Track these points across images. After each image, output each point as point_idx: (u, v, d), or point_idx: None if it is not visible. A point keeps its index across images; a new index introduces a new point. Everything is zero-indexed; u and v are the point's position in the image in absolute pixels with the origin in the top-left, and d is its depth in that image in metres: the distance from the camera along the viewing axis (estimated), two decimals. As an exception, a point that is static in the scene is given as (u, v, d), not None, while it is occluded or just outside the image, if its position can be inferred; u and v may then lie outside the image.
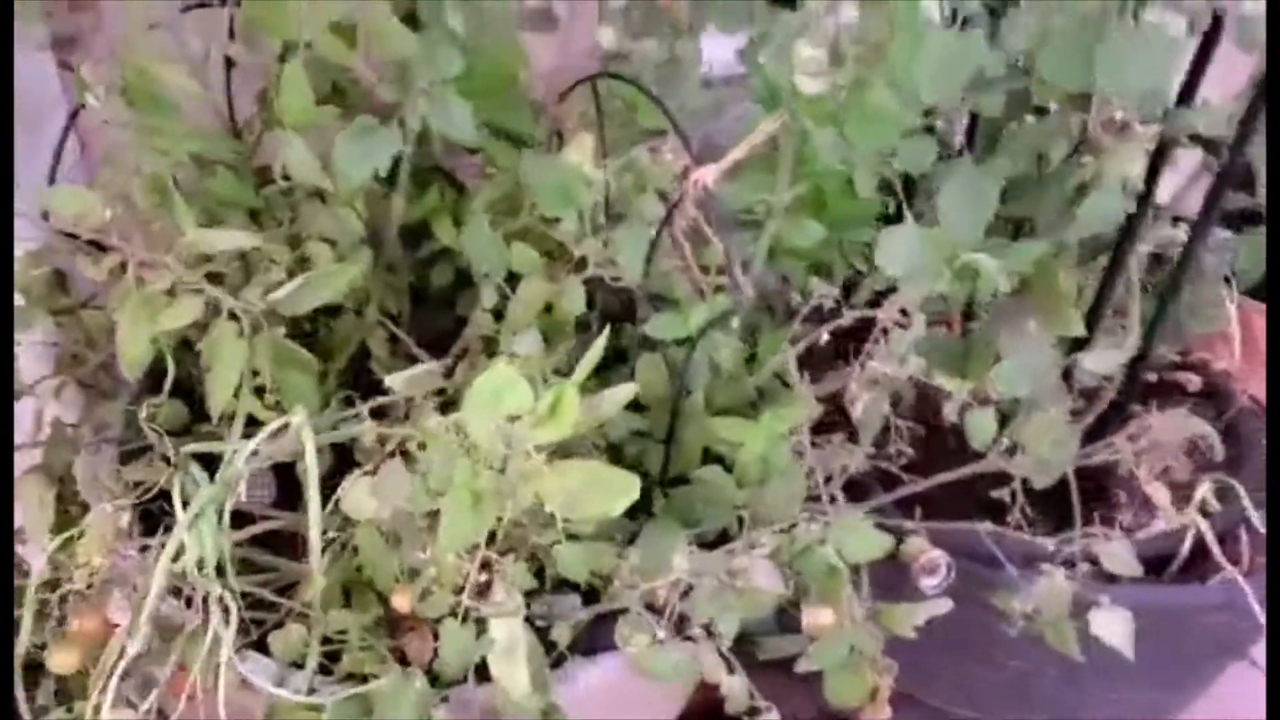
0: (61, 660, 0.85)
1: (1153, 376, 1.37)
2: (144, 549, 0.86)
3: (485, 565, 0.81)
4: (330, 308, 1.13)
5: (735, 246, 0.98)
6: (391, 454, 0.90)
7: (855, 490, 1.04)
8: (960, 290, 1.00)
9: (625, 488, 0.81)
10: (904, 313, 0.96)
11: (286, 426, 0.84)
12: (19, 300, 1.03)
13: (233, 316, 0.90)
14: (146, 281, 0.86)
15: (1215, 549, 1.08)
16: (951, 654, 1.16)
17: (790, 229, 0.96)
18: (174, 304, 0.86)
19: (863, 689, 0.94)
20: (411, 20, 0.99)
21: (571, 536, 0.86)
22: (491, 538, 0.84)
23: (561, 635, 0.90)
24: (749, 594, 0.85)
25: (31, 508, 1.02)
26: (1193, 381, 1.41)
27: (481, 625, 0.88)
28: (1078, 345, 1.14)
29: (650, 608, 0.89)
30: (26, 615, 0.90)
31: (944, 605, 0.93)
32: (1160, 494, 0.97)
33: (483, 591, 0.82)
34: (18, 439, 1.01)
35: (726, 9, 0.90)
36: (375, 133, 0.90)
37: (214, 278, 0.95)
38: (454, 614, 0.83)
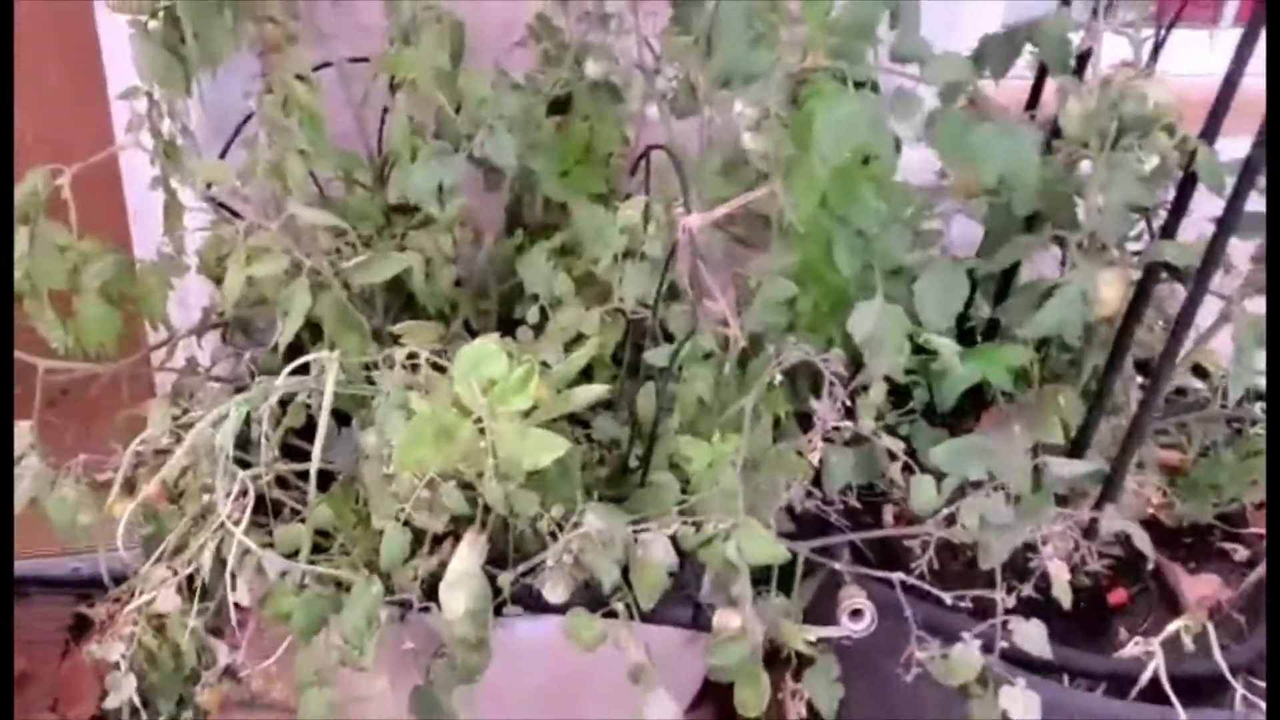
0: (117, 508, 1.09)
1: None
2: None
3: (430, 485, 0.99)
4: (428, 316, 1.37)
5: (729, 294, 1.14)
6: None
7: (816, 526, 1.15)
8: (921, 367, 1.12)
9: (555, 447, 0.99)
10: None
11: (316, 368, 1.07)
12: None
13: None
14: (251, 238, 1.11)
15: (1165, 683, 1.12)
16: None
17: (773, 289, 1.11)
18: (265, 259, 1.10)
19: (759, 699, 1.05)
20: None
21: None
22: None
23: (504, 583, 1.06)
24: (646, 565, 0.99)
25: (156, 418, 1.28)
26: (1239, 552, 1.43)
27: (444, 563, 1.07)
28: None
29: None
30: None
31: (841, 631, 1.03)
32: (1061, 573, 1.02)
33: (428, 508, 1.00)
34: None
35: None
36: (444, 158, 1.13)
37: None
38: (396, 518, 1.01)
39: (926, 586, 1.05)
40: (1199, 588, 1.38)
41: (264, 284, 1.16)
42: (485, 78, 1.16)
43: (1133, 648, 1.20)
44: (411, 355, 1.04)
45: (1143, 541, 1.09)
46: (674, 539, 1.02)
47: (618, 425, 1.18)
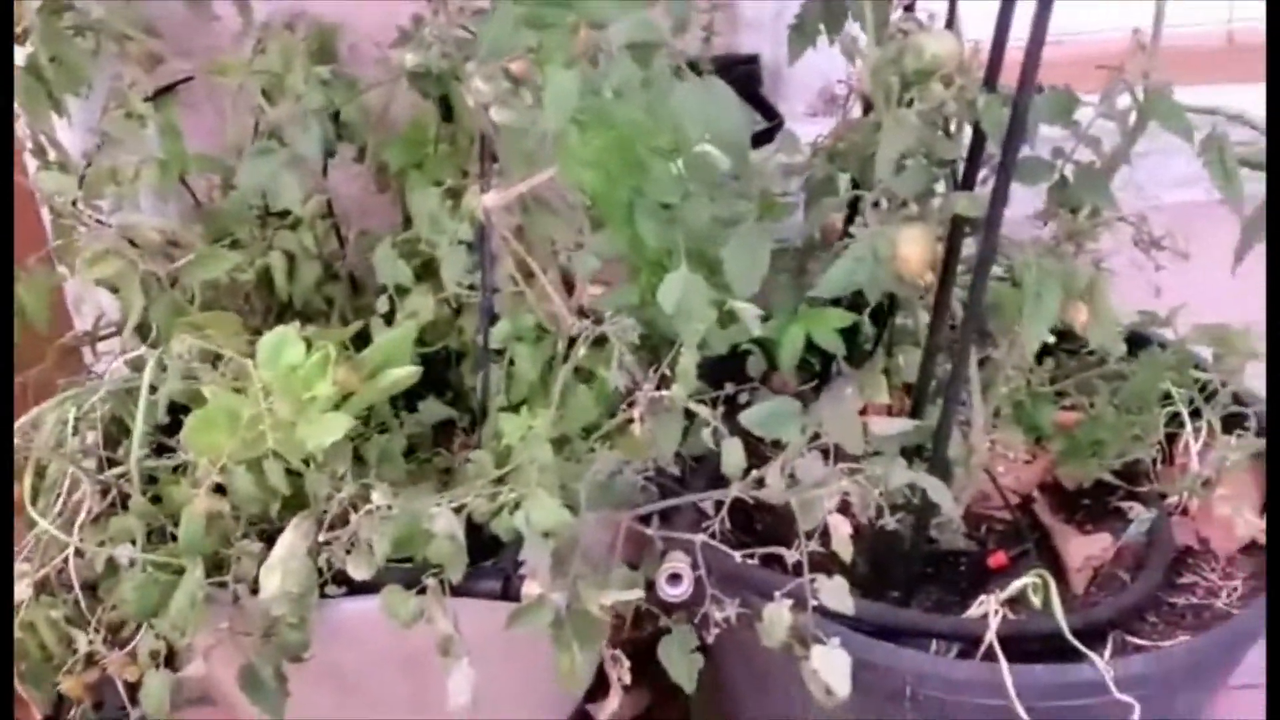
0: None
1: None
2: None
3: (222, 469, 1.03)
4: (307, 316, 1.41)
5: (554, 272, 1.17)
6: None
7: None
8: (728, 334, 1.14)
9: (335, 429, 1.02)
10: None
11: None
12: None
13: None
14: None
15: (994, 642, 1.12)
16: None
17: (582, 267, 1.14)
18: (103, 262, 1.16)
19: (573, 667, 1.07)
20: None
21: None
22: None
23: (323, 563, 1.10)
24: (435, 538, 1.02)
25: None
26: (1135, 509, 1.40)
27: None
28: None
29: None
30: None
31: (634, 594, 1.04)
32: (841, 528, 1.02)
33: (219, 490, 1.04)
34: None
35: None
36: (270, 154, 1.18)
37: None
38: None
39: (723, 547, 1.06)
40: (1086, 548, 1.35)
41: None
42: (300, 78, 1.20)
43: (977, 608, 1.20)
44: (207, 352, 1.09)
45: (947, 504, 1.08)
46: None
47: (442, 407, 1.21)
